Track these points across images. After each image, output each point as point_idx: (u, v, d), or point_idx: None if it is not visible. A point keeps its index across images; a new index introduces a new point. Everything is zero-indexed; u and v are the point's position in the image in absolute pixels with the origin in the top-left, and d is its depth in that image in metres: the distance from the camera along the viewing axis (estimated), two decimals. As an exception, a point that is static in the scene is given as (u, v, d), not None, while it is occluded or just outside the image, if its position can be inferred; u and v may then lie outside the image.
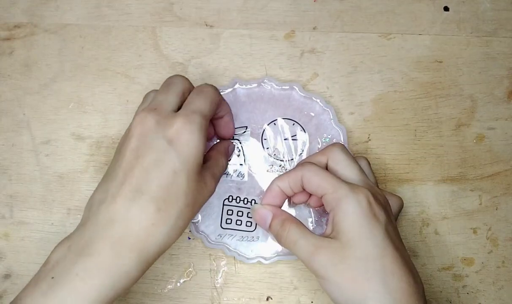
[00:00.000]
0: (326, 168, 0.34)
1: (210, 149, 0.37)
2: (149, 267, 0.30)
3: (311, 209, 0.38)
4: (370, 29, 0.43)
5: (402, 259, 0.31)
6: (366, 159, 0.36)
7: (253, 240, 0.38)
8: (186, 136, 0.30)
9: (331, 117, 0.40)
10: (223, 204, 0.39)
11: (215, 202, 0.39)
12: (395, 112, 0.41)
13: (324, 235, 0.32)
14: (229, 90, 0.40)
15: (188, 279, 0.38)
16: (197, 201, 0.31)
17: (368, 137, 0.41)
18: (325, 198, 0.32)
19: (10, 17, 0.43)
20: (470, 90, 0.42)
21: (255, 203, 0.38)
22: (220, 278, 0.39)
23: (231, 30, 0.43)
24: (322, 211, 0.38)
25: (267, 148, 0.40)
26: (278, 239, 0.34)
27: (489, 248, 0.40)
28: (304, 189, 0.34)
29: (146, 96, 0.35)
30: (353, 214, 0.31)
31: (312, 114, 0.40)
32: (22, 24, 0.43)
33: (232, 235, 0.38)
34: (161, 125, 0.30)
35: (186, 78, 0.34)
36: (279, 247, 0.38)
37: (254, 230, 0.38)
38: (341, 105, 0.41)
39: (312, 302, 0.38)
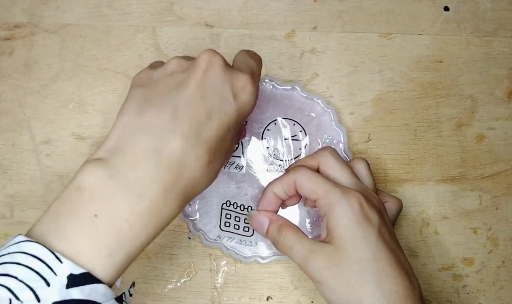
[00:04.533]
0: (317, 172, 0.34)
1: None
2: None
3: (308, 210, 0.38)
4: (370, 29, 0.43)
5: (397, 261, 0.31)
6: (366, 160, 0.36)
7: (251, 245, 0.38)
8: (249, 97, 0.29)
9: (332, 118, 0.40)
10: (222, 208, 0.39)
11: (213, 201, 0.39)
12: (395, 112, 0.41)
13: (320, 240, 0.32)
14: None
15: (188, 279, 0.39)
16: (224, 162, 0.31)
17: (368, 137, 0.41)
18: (318, 202, 0.32)
19: (10, 17, 0.43)
20: (470, 90, 0.42)
21: (251, 209, 0.38)
22: (220, 278, 0.39)
23: (231, 30, 0.43)
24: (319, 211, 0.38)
25: (267, 148, 0.40)
26: (275, 244, 0.34)
27: (489, 248, 0.40)
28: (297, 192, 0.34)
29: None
30: (345, 218, 0.31)
31: (313, 115, 0.40)
32: (22, 24, 0.43)
33: (231, 237, 0.38)
34: (229, 73, 0.29)
35: None
36: None
37: (251, 235, 0.38)
38: (341, 105, 0.41)
39: (312, 302, 0.38)
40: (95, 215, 0.24)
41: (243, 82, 0.29)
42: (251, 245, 0.38)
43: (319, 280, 0.31)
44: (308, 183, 0.33)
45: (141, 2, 0.43)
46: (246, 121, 0.40)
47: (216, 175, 0.30)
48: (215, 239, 0.38)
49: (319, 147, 0.40)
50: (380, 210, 0.33)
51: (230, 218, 0.39)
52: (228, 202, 0.39)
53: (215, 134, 0.28)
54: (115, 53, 0.42)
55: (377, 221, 0.31)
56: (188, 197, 0.28)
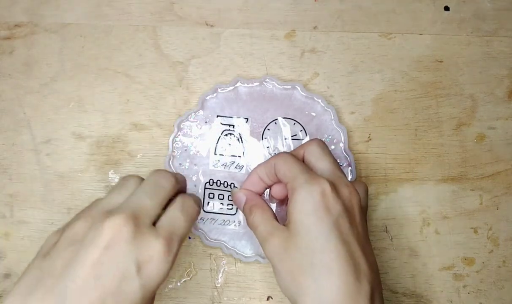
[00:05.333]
0: (303, 161, 0.34)
1: None
2: None
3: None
4: (371, 28, 0.43)
5: (348, 255, 0.29)
6: (320, 141, 0.35)
7: (234, 224, 0.38)
8: (160, 266, 0.27)
9: (332, 117, 0.40)
10: (205, 187, 0.39)
11: (215, 201, 0.39)
12: (396, 111, 0.41)
13: (283, 224, 0.32)
14: (231, 88, 0.40)
15: (189, 278, 0.38)
16: None
17: (369, 137, 0.41)
18: (287, 187, 0.32)
19: (10, 17, 0.43)
20: (470, 90, 0.42)
21: (234, 187, 0.39)
22: (220, 277, 0.38)
23: (231, 29, 0.43)
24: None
25: (267, 147, 0.40)
26: (247, 222, 0.34)
27: (489, 247, 0.39)
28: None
29: (125, 182, 0.31)
30: (301, 204, 0.30)
31: (313, 114, 0.40)
32: (23, 24, 0.43)
33: (214, 219, 0.38)
34: (137, 241, 0.27)
35: (175, 179, 0.31)
36: None
37: (235, 213, 0.39)
38: (342, 105, 0.41)
39: (312, 301, 0.38)
40: None
41: (153, 251, 0.27)
42: (234, 224, 0.38)
43: (271, 263, 0.31)
44: (283, 166, 0.32)
45: (141, 2, 0.43)
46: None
47: None
48: (198, 222, 0.38)
49: (320, 146, 0.39)
50: (350, 201, 0.31)
51: (213, 198, 0.39)
52: (211, 181, 0.39)
53: None
54: (115, 52, 0.42)
55: (337, 212, 0.30)
56: None
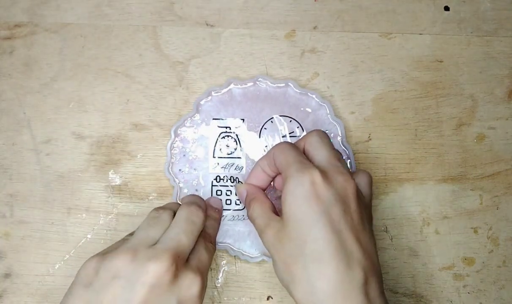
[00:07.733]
0: (304, 152, 0.34)
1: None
2: None
3: None
4: (371, 28, 0.43)
5: (338, 244, 0.29)
6: (320, 132, 0.34)
7: (243, 219, 0.38)
8: (195, 302, 0.30)
9: (328, 112, 0.40)
10: (212, 185, 0.39)
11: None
12: (396, 111, 0.41)
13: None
14: (225, 90, 0.40)
15: (189, 278, 0.38)
16: None
17: (369, 137, 0.41)
18: (282, 176, 0.32)
19: (10, 16, 0.43)
20: (470, 90, 0.42)
21: (238, 182, 0.39)
22: (220, 277, 0.38)
23: (231, 29, 0.43)
24: None
25: (266, 147, 0.40)
26: (247, 215, 0.35)
27: (490, 247, 0.39)
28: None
29: (158, 216, 0.33)
30: (292, 194, 0.30)
31: (309, 110, 0.40)
32: (23, 23, 0.43)
33: (223, 215, 0.39)
34: (178, 280, 0.29)
35: (203, 213, 0.34)
36: None
37: (243, 208, 0.39)
38: (342, 105, 0.41)
39: (312, 301, 0.38)
40: None
41: (193, 290, 0.29)
42: (244, 219, 0.38)
43: (269, 254, 0.31)
44: (280, 156, 0.33)
45: (141, 2, 0.43)
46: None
47: None
48: None
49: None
50: (344, 189, 0.31)
51: (221, 194, 0.39)
52: (218, 177, 0.39)
53: None
54: (116, 52, 0.42)
55: (329, 200, 0.29)
56: None
